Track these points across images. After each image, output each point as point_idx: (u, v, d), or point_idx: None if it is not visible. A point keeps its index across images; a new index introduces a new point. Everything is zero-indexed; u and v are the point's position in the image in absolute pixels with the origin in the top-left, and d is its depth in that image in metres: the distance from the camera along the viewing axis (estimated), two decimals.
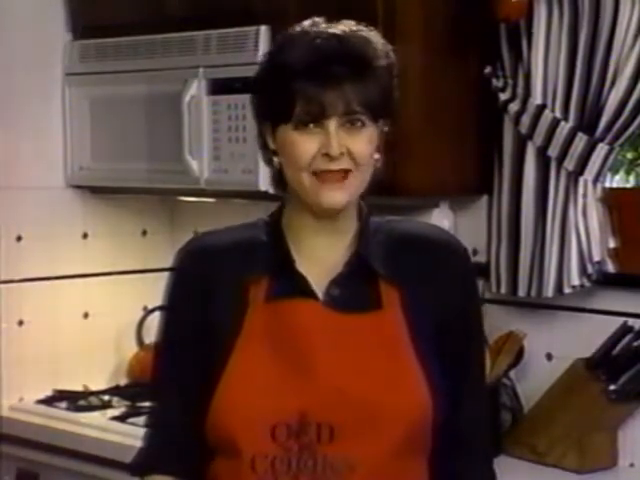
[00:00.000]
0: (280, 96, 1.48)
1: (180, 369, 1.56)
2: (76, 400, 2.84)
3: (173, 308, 1.59)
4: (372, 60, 1.49)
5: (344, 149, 1.46)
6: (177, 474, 1.56)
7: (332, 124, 1.46)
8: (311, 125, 1.47)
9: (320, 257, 1.55)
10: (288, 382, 1.48)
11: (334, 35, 1.49)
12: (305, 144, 1.47)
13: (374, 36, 1.53)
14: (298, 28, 1.53)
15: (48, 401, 2.88)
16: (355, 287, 1.53)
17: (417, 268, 1.53)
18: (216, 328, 1.52)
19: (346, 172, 1.48)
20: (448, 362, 1.52)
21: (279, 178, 1.54)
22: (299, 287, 1.52)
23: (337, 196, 1.48)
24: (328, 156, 1.46)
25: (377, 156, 1.53)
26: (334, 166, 1.47)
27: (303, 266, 1.53)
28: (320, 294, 1.53)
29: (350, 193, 1.50)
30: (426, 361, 1.50)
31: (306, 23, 1.53)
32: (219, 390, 1.51)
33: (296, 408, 1.47)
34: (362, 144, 1.48)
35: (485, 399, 1.62)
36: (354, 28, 1.52)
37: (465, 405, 1.53)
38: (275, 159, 1.52)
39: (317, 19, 1.53)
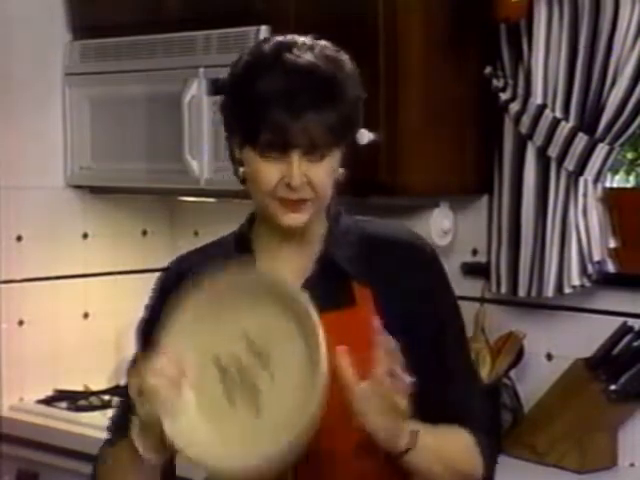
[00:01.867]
0: (247, 122, 1.50)
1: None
2: (76, 400, 2.84)
3: (152, 318, 1.61)
4: (339, 91, 1.50)
5: (304, 179, 1.49)
6: None
7: (295, 155, 1.48)
8: (274, 153, 1.48)
9: (290, 263, 1.57)
10: None
11: (302, 66, 1.49)
12: (268, 172, 1.49)
13: (345, 65, 1.53)
14: (268, 48, 1.51)
15: (48, 401, 2.88)
16: (326, 287, 1.54)
17: (385, 268, 1.55)
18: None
19: (304, 202, 1.50)
20: (423, 349, 1.51)
21: (244, 182, 1.56)
22: None
23: (297, 218, 1.52)
24: (289, 186, 1.48)
25: (341, 170, 1.54)
26: (294, 195, 1.49)
27: (272, 268, 1.55)
28: None
29: (309, 215, 1.52)
30: (422, 369, 1.48)
31: (278, 41, 1.52)
32: None
33: None
34: (323, 174, 1.50)
35: (470, 380, 1.59)
36: (325, 55, 1.51)
37: (448, 389, 1.53)
38: (241, 169, 1.54)
39: (290, 38, 1.52)
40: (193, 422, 1.44)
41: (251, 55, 1.54)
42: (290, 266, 1.56)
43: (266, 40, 1.56)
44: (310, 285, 1.54)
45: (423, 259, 1.59)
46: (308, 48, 1.51)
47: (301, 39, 1.53)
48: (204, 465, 1.44)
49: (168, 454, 1.47)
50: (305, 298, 1.43)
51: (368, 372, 1.47)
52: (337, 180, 1.55)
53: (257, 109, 1.48)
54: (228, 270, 1.46)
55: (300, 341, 1.43)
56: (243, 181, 1.56)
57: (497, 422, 2.37)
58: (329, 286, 1.54)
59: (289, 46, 1.51)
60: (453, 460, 1.52)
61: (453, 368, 1.55)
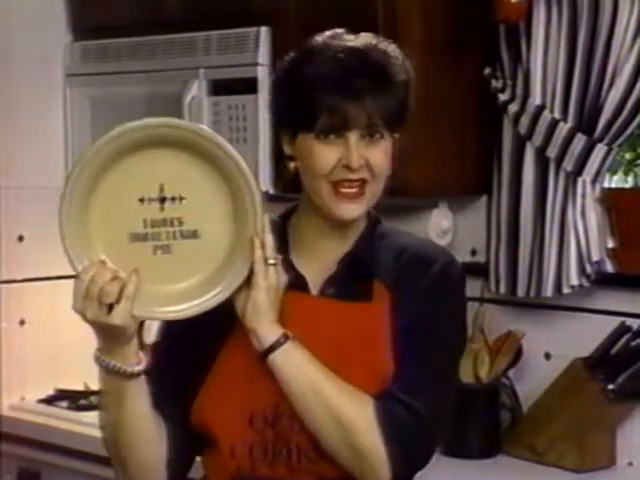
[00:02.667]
0: (303, 107, 1.51)
1: (174, 343, 1.58)
2: (77, 399, 2.84)
3: None
4: (392, 74, 1.52)
5: (363, 161, 1.50)
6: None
7: (353, 136, 1.49)
8: (332, 136, 1.49)
9: (321, 257, 1.58)
10: (266, 375, 1.50)
11: (356, 49, 1.52)
12: (326, 154, 1.50)
13: (393, 50, 1.56)
14: (319, 39, 1.56)
15: (49, 400, 2.88)
16: (349, 284, 1.56)
17: (409, 278, 1.55)
18: (212, 326, 1.52)
19: (363, 182, 1.51)
20: (408, 340, 1.52)
21: (293, 182, 1.56)
22: (296, 283, 1.55)
23: (352, 209, 1.53)
24: (348, 167, 1.49)
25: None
26: (353, 176, 1.50)
27: (303, 265, 1.57)
28: (315, 291, 1.57)
29: (365, 206, 1.54)
30: (396, 356, 1.51)
31: (327, 34, 1.56)
32: (207, 381, 1.54)
33: (271, 399, 1.51)
34: (380, 156, 1.51)
35: (427, 370, 1.52)
36: (374, 42, 1.55)
37: (401, 373, 1.50)
38: (291, 164, 1.54)
39: (338, 31, 1.56)
40: (148, 295, 1.43)
41: (302, 47, 1.56)
42: (319, 262, 1.57)
43: (315, 35, 1.57)
44: (334, 283, 1.56)
45: (441, 271, 1.57)
46: (356, 36, 1.54)
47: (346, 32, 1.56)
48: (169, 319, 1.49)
49: (133, 351, 1.45)
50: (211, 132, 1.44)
51: (346, 363, 1.50)
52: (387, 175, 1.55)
53: (313, 92, 1.49)
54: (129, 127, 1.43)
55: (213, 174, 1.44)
56: (292, 181, 1.55)
57: (495, 427, 2.37)
58: (351, 283, 1.56)
59: (339, 35, 1.55)
60: (330, 397, 1.47)
61: (420, 353, 1.52)
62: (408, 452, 1.50)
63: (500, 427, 2.40)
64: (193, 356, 1.55)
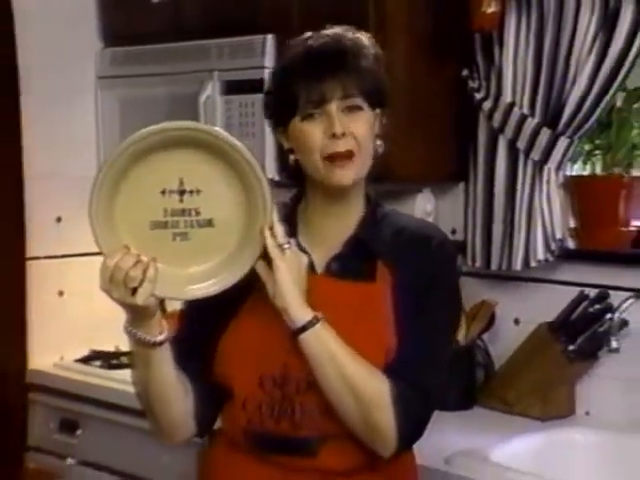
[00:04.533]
0: (285, 94, 1.49)
1: (195, 327, 1.57)
2: (109, 359, 2.85)
3: None
4: (361, 54, 1.50)
5: (346, 129, 1.46)
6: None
7: (333, 107, 1.46)
8: (315, 114, 1.47)
9: (326, 237, 1.56)
10: (277, 341, 1.49)
11: (326, 35, 1.51)
12: (313, 130, 1.47)
13: (361, 35, 1.54)
14: (297, 39, 1.54)
15: (85, 360, 2.89)
16: (353, 264, 1.54)
17: (408, 256, 1.53)
18: (228, 298, 1.50)
19: (351, 153, 1.47)
20: (410, 316, 1.49)
21: (295, 172, 1.54)
22: None
23: (345, 174, 1.48)
24: (334, 136, 1.45)
25: (379, 142, 1.53)
26: (340, 147, 1.46)
27: (309, 244, 1.54)
28: (320, 268, 1.53)
29: (356, 172, 1.49)
30: (400, 332, 1.49)
31: (307, 34, 1.55)
32: (223, 343, 1.53)
33: (280, 363, 1.50)
34: (361, 125, 1.48)
35: (430, 352, 1.51)
36: (343, 32, 1.53)
37: (404, 345, 1.49)
38: (291, 157, 1.52)
39: (312, 32, 1.54)
40: (167, 277, 1.42)
41: (283, 47, 1.56)
42: (325, 242, 1.55)
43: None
44: (338, 260, 1.54)
45: (437, 248, 1.56)
46: (329, 29, 1.53)
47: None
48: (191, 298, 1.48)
49: (156, 327, 1.45)
50: (223, 133, 1.43)
51: (350, 336, 1.47)
52: (376, 152, 1.53)
53: (291, 79, 1.48)
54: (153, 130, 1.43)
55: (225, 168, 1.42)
56: (294, 171, 1.54)
57: (471, 383, 2.37)
58: (355, 262, 1.53)
59: (314, 33, 1.53)
60: (353, 377, 1.44)
61: (421, 332, 1.50)
62: (414, 427, 1.50)
63: (476, 383, 2.40)
64: (212, 323, 1.54)
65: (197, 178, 1.43)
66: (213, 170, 1.43)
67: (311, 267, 1.52)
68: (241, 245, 1.44)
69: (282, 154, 1.56)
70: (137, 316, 1.43)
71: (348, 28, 1.53)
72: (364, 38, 1.52)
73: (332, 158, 1.47)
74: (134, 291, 1.39)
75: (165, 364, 1.48)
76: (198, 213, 1.43)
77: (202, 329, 1.55)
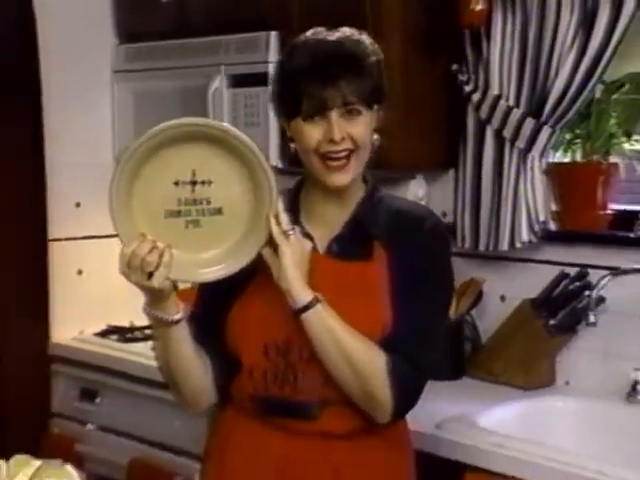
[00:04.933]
0: (289, 96, 1.48)
1: (208, 305, 1.57)
2: (125, 333, 2.85)
3: None
4: (363, 59, 1.48)
5: (345, 134, 1.47)
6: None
7: (333, 115, 1.46)
8: (316, 117, 1.46)
9: (327, 221, 1.56)
10: (280, 316, 1.49)
11: (330, 41, 1.49)
12: (312, 132, 1.47)
13: (364, 39, 1.52)
14: (302, 37, 1.53)
15: (102, 334, 2.89)
16: (351, 244, 1.54)
17: (403, 237, 1.52)
18: (237, 278, 1.50)
19: (349, 153, 1.47)
20: (406, 294, 1.49)
21: (296, 159, 1.54)
22: None
23: (341, 178, 1.49)
24: (332, 141, 1.46)
25: (375, 136, 1.52)
26: (337, 147, 1.46)
27: (312, 227, 1.54)
28: (322, 249, 1.54)
29: (352, 174, 1.50)
30: (396, 308, 1.49)
31: (309, 32, 1.53)
32: (231, 318, 1.54)
33: (283, 335, 1.50)
34: (360, 128, 1.48)
35: (426, 326, 1.51)
36: (348, 33, 1.51)
37: (400, 320, 1.49)
38: (292, 145, 1.52)
39: (319, 29, 1.53)
40: (181, 262, 1.43)
41: (288, 46, 1.54)
42: (325, 225, 1.55)
43: (300, 36, 1.54)
44: (338, 242, 1.54)
45: (430, 228, 1.55)
46: (334, 31, 1.50)
47: (326, 29, 1.51)
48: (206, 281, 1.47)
49: (173, 307, 1.45)
50: (234, 130, 1.42)
51: (349, 309, 1.47)
52: (373, 145, 1.52)
53: (296, 82, 1.46)
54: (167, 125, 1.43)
55: (235, 163, 1.42)
56: (295, 158, 1.53)
57: (460, 355, 2.37)
58: (353, 243, 1.53)
59: (319, 31, 1.51)
60: (351, 352, 1.45)
61: (416, 308, 1.49)
62: (408, 398, 1.51)
63: (464, 355, 2.40)
64: (222, 301, 1.54)
65: (208, 170, 1.43)
66: (223, 163, 1.43)
67: (313, 248, 1.52)
68: (248, 232, 1.45)
69: (285, 141, 1.57)
70: (154, 298, 1.44)
71: (352, 30, 1.51)
72: (367, 42, 1.51)
73: (329, 158, 1.47)
74: (150, 275, 1.40)
75: (183, 340, 1.49)
76: (209, 202, 1.43)
77: (214, 307, 1.55)
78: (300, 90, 1.45)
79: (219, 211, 1.44)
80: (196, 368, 1.52)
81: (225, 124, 1.47)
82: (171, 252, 1.41)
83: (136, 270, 1.39)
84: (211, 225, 1.44)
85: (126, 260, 1.40)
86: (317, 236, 1.54)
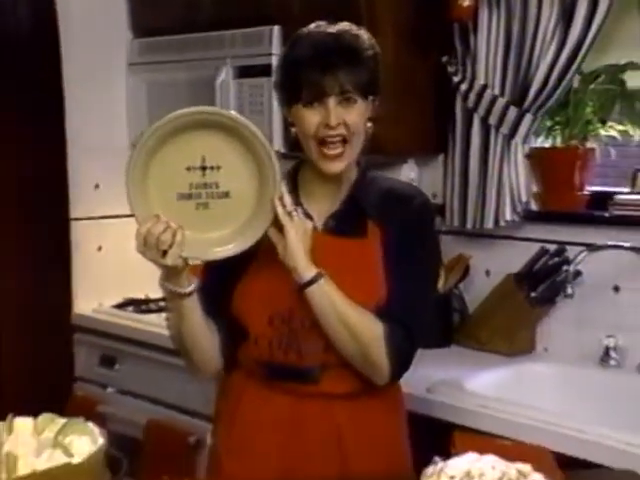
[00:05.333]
0: (291, 84, 1.48)
1: (215, 278, 1.56)
2: (140, 305, 2.86)
3: None
4: (361, 51, 1.48)
5: (341, 120, 1.46)
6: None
7: (331, 102, 1.45)
8: (315, 104, 1.46)
9: (324, 200, 1.56)
10: (284, 289, 1.50)
11: (330, 34, 1.48)
12: (311, 118, 1.46)
13: (362, 33, 1.51)
14: (305, 30, 1.52)
15: (120, 305, 2.90)
16: (348, 221, 1.54)
17: (394, 214, 1.53)
18: (243, 254, 1.50)
19: (344, 140, 1.47)
20: (398, 268, 1.50)
21: (296, 142, 1.54)
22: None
23: (336, 166, 1.49)
24: (328, 126, 1.45)
25: (369, 124, 1.52)
26: (333, 132, 1.46)
27: (310, 206, 1.55)
28: (320, 226, 1.54)
29: (345, 162, 1.50)
30: (389, 281, 1.50)
31: (311, 26, 1.52)
32: (238, 291, 1.55)
33: (287, 304, 1.51)
34: (354, 116, 1.47)
35: (418, 295, 1.51)
36: (347, 27, 1.51)
37: (394, 289, 1.50)
38: (293, 129, 1.52)
39: (320, 22, 1.52)
40: (192, 241, 1.43)
41: (292, 37, 1.53)
42: (322, 203, 1.55)
43: (303, 29, 1.53)
44: (335, 218, 1.54)
45: (420, 206, 1.55)
46: (334, 25, 1.50)
47: (327, 23, 1.51)
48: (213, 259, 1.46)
49: (185, 280, 1.45)
50: (247, 121, 1.41)
51: (347, 281, 1.48)
52: (367, 133, 1.52)
53: (297, 71, 1.46)
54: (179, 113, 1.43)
55: (242, 150, 1.42)
56: (295, 142, 1.53)
57: (449, 325, 2.38)
58: (350, 221, 1.53)
59: (321, 25, 1.50)
60: (351, 321, 1.46)
61: (408, 280, 1.50)
62: (403, 361, 1.52)
63: (452, 325, 2.41)
64: (229, 275, 1.55)
65: (217, 156, 1.43)
66: (231, 149, 1.43)
67: (313, 226, 1.52)
68: (254, 213, 1.45)
69: (286, 125, 1.56)
70: (168, 273, 1.45)
71: (351, 25, 1.51)
72: (364, 36, 1.50)
73: (325, 143, 1.47)
74: (164, 253, 1.41)
75: (194, 310, 1.50)
76: (217, 186, 1.43)
77: (220, 281, 1.56)
78: (301, 78, 1.45)
79: (227, 194, 1.44)
80: (205, 336, 1.53)
81: (233, 112, 1.47)
82: (183, 232, 1.42)
83: (151, 248, 1.40)
84: (220, 207, 1.44)
85: (142, 239, 1.41)
86: (315, 213, 1.54)
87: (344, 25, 1.50)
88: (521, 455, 1.28)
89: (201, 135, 1.42)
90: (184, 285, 1.46)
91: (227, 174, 1.43)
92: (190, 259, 1.47)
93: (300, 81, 1.45)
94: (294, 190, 1.54)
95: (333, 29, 1.49)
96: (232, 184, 1.44)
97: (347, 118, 1.46)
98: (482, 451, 1.27)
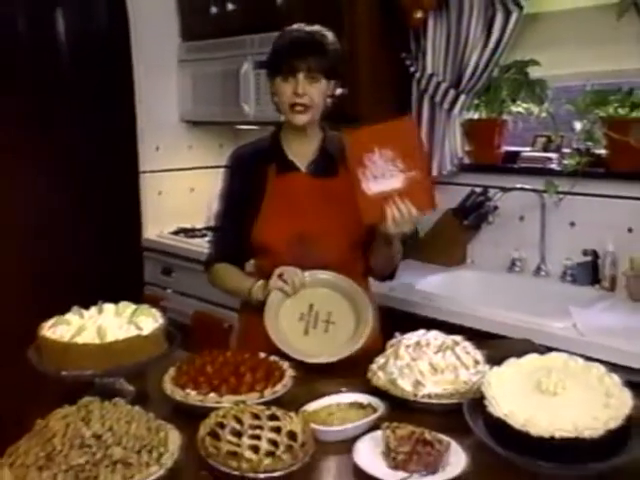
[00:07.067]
0: (275, 63, 1.50)
1: (232, 209, 1.58)
2: (188, 232, 2.88)
3: (227, 182, 1.61)
4: (325, 45, 1.50)
5: (306, 91, 1.48)
6: (229, 263, 1.58)
7: (300, 76, 1.48)
8: (290, 78, 1.47)
9: (302, 151, 1.57)
10: (293, 216, 1.52)
11: (306, 31, 1.50)
12: (286, 88, 1.49)
13: (329, 34, 1.53)
14: (288, 28, 1.53)
15: (175, 232, 2.91)
16: (323, 165, 1.56)
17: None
18: (252, 190, 1.54)
19: (306, 107, 1.49)
20: None
21: (277, 107, 1.55)
22: (291, 167, 1.54)
23: (301, 118, 1.50)
24: (297, 94, 1.47)
25: (329, 100, 1.53)
26: (299, 100, 1.48)
27: (293, 156, 1.56)
28: (303, 169, 1.56)
29: (308, 118, 1.51)
30: None
31: (294, 26, 1.53)
32: (258, 220, 1.55)
33: (298, 229, 1.52)
34: (316, 91, 1.49)
35: None
36: (318, 29, 1.52)
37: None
38: (275, 98, 1.53)
39: (301, 24, 1.53)
40: (283, 327, 1.44)
41: (279, 33, 1.53)
42: (301, 153, 1.56)
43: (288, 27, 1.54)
44: (314, 163, 1.55)
45: None
46: (310, 26, 1.51)
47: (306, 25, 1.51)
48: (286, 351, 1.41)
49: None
50: (356, 287, 1.45)
51: (333, 211, 1.49)
52: (327, 106, 1.52)
53: (280, 55, 1.48)
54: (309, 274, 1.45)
55: (349, 307, 1.45)
56: (277, 109, 1.54)
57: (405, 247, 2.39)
58: (323, 164, 1.54)
59: (300, 26, 1.51)
60: (398, 258, 1.55)
61: None
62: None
63: (406, 245, 2.41)
64: (244, 204, 1.54)
65: (331, 307, 1.45)
66: (338, 301, 1.46)
67: (297, 169, 1.53)
68: (351, 336, 1.43)
69: (272, 95, 1.54)
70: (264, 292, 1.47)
71: (322, 27, 1.52)
72: (330, 36, 1.52)
73: (294, 106, 1.49)
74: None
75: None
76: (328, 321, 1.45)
77: (239, 209, 1.55)
78: (281, 60, 1.48)
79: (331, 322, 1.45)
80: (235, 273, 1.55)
81: (341, 276, 1.47)
82: (304, 279, 1.44)
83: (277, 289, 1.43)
84: (317, 337, 1.44)
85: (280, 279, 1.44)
86: (298, 160, 1.54)
87: (317, 27, 1.52)
88: (392, 131, 1.32)
89: (318, 292, 1.45)
90: (260, 296, 1.49)
91: (334, 313, 1.45)
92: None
93: (281, 62, 1.48)
94: (279, 146, 1.54)
95: (308, 29, 1.51)
96: (335, 318, 1.45)
97: (310, 91, 1.48)
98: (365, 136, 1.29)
